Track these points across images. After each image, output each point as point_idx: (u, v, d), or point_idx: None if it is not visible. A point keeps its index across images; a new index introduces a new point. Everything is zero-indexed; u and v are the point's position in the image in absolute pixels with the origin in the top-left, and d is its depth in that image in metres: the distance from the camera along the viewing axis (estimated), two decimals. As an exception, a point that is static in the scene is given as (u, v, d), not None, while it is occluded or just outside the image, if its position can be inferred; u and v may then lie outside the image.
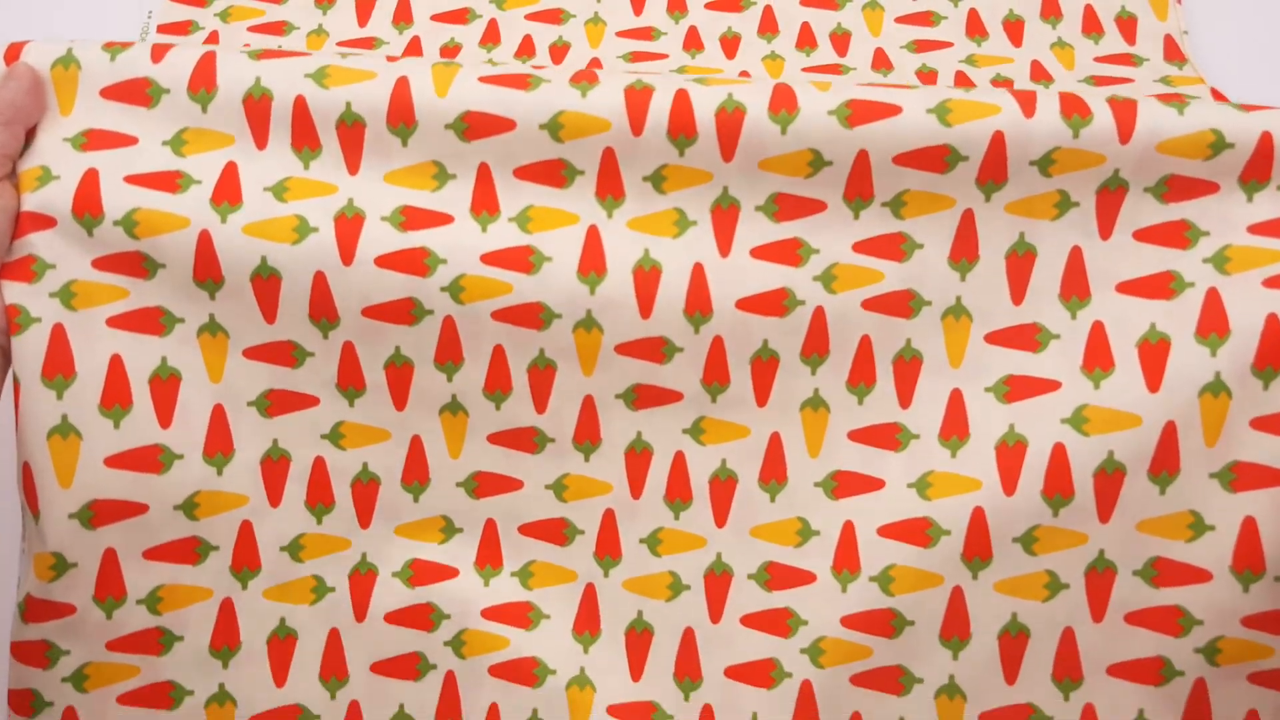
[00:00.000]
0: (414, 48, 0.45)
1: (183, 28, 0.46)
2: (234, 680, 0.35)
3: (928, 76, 0.43)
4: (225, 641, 0.35)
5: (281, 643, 0.35)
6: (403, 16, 0.46)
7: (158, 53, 0.34)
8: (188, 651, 0.34)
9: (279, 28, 0.46)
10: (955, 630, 0.34)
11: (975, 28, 0.45)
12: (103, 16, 0.47)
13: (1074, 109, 0.32)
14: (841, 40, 0.45)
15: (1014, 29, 0.45)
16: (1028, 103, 0.32)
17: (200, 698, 0.35)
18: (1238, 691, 0.33)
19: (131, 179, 0.33)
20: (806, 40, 0.45)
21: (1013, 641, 0.34)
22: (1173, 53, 0.45)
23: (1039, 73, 0.43)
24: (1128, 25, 0.46)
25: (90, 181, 0.33)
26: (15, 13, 0.48)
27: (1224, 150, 0.32)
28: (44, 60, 0.34)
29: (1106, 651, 0.34)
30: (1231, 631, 0.33)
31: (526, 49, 0.45)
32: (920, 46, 0.45)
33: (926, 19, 0.46)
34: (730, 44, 0.45)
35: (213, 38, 0.45)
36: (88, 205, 0.32)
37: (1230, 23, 0.47)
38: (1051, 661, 0.34)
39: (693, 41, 0.45)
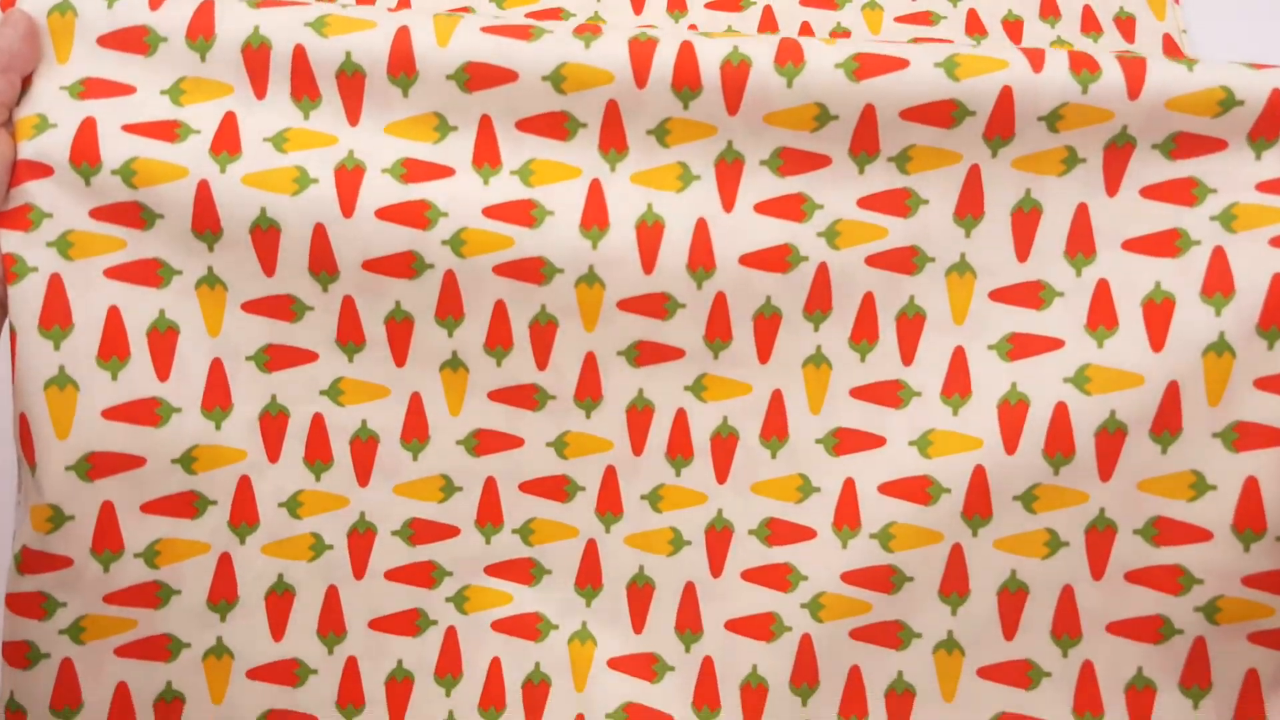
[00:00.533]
0: None
1: None
2: (231, 634, 0.35)
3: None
4: (223, 595, 0.35)
5: (279, 598, 0.35)
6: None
7: (155, 0, 0.34)
8: (185, 605, 0.34)
9: None
10: (954, 586, 0.34)
11: (974, 27, 0.45)
12: None
13: (1083, 65, 0.32)
14: (841, 39, 0.45)
15: (1013, 28, 0.45)
16: (1036, 58, 0.32)
17: (198, 651, 0.34)
18: (1237, 650, 0.33)
19: (130, 128, 0.33)
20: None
21: (1012, 598, 0.34)
22: (1172, 51, 0.45)
23: None
24: (1126, 25, 0.46)
25: (88, 130, 0.32)
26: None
27: (1234, 107, 0.32)
28: (40, 7, 0.33)
29: (1106, 609, 0.34)
30: (1232, 591, 0.33)
31: None
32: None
33: (926, 18, 0.45)
34: None
35: None
36: (85, 154, 0.32)
37: (1229, 23, 0.47)
38: (1050, 618, 0.34)
39: None
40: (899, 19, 0.46)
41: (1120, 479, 0.33)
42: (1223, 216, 0.32)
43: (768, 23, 0.46)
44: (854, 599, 0.34)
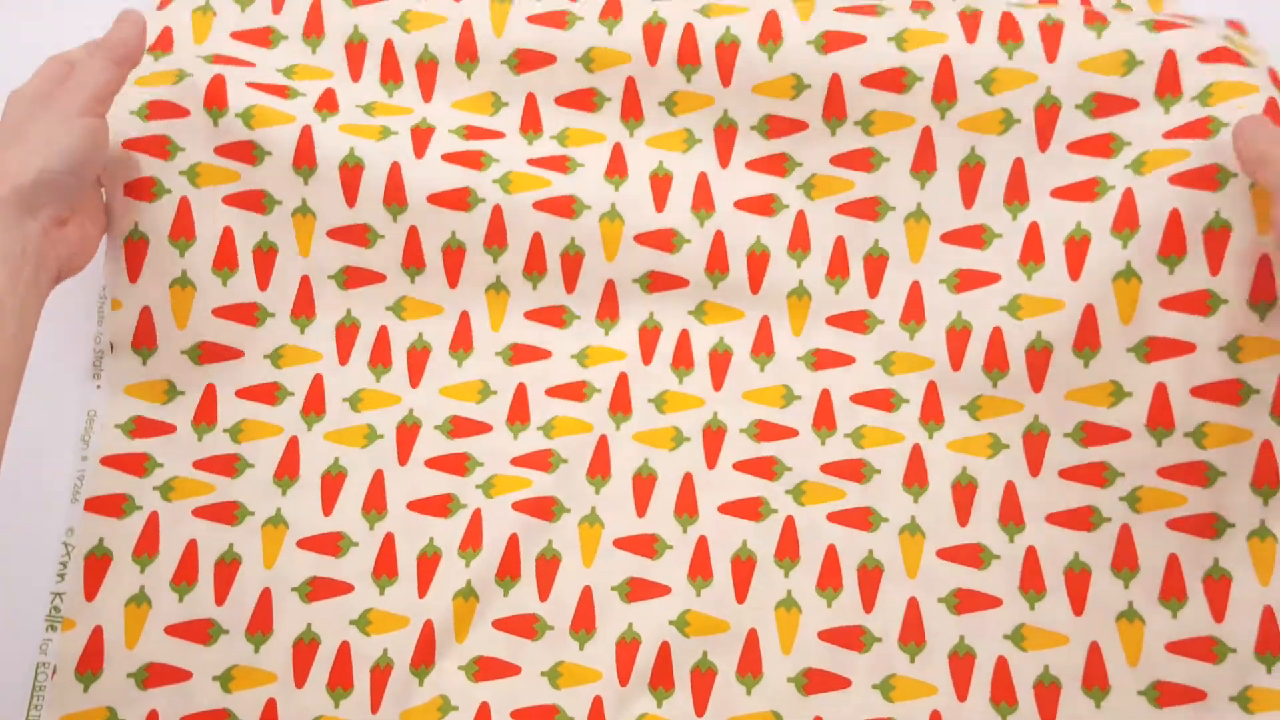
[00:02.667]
0: None
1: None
2: (289, 506, 0.40)
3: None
4: (287, 473, 0.41)
5: (333, 478, 0.41)
6: None
7: (278, 4, 0.43)
8: (255, 477, 0.40)
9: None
10: (915, 479, 0.40)
11: None
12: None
13: (1009, 34, 0.39)
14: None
15: None
16: (971, 28, 0.40)
17: (259, 518, 0.40)
18: (1159, 537, 0.38)
19: (252, 85, 0.41)
20: None
21: (963, 490, 0.39)
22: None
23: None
24: None
25: (218, 83, 0.41)
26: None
27: (1136, 67, 0.38)
28: (185, 6, 0.43)
29: (1044, 502, 0.39)
30: (1149, 481, 0.38)
31: None
32: None
33: None
34: None
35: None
36: (216, 100, 0.40)
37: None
38: (998, 509, 0.39)
39: None
40: None
41: (1050, 390, 0.39)
42: (1134, 164, 0.38)
43: None
44: (831, 486, 0.40)
